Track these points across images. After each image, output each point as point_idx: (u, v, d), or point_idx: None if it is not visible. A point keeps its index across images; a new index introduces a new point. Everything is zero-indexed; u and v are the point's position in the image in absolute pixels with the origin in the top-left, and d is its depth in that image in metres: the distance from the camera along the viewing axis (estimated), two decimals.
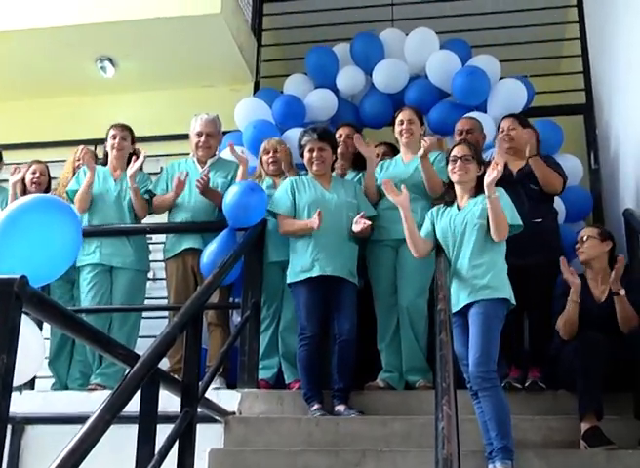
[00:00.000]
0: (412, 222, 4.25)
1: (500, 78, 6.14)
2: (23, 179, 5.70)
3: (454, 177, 4.20)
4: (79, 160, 5.78)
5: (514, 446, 3.67)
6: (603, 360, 4.07)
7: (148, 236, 5.75)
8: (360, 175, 5.35)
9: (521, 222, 4.05)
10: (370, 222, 4.63)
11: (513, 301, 3.94)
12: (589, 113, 6.58)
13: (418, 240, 4.25)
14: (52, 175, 5.89)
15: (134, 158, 5.32)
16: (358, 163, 5.43)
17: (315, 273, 4.62)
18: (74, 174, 5.68)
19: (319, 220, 4.55)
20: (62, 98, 7.33)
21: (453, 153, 4.23)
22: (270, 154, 5.35)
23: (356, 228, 4.62)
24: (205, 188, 5.12)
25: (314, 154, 4.88)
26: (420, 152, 4.74)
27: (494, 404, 3.69)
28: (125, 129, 5.53)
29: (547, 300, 4.60)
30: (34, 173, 5.73)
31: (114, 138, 5.47)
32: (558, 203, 5.26)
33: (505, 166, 4.75)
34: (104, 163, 5.59)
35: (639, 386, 4.15)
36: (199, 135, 5.43)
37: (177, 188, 5.17)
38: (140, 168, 5.60)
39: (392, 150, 5.67)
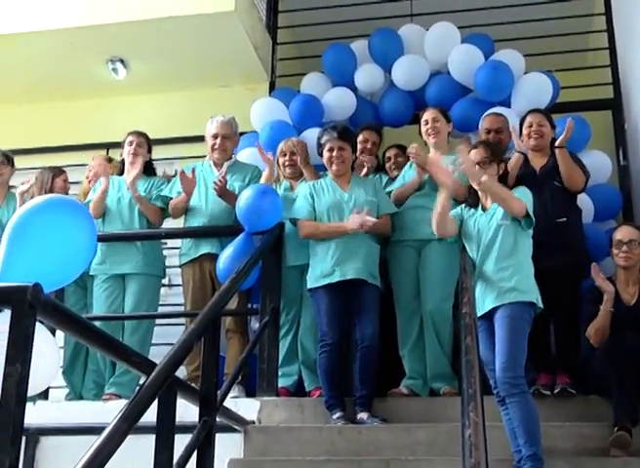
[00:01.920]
0: (449, 202, 4.14)
1: (525, 73, 6.03)
2: (53, 184, 5.64)
3: (473, 185, 4.12)
4: (90, 172, 5.79)
5: (544, 453, 3.59)
6: (637, 362, 3.98)
7: (163, 241, 5.69)
8: (377, 176, 5.25)
9: (533, 217, 3.95)
10: (375, 219, 4.53)
11: (540, 305, 3.87)
12: (617, 108, 6.47)
13: (447, 219, 4.15)
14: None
15: (131, 166, 5.32)
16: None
17: (336, 279, 4.54)
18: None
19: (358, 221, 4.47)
20: (73, 102, 7.27)
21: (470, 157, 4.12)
22: (287, 157, 5.27)
23: (361, 227, 4.52)
24: (223, 190, 5.02)
25: (334, 154, 4.78)
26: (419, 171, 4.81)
27: (522, 410, 3.61)
28: (141, 136, 5.50)
29: (573, 303, 4.50)
30: (65, 181, 5.74)
31: (130, 145, 5.45)
32: (586, 201, 5.14)
33: (528, 163, 4.75)
34: (121, 172, 5.55)
35: None
36: (215, 137, 5.36)
37: (185, 186, 5.08)
38: (155, 173, 5.55)
39: (404, 152, 5.56)
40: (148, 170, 5.52)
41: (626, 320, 4.21)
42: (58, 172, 5.74)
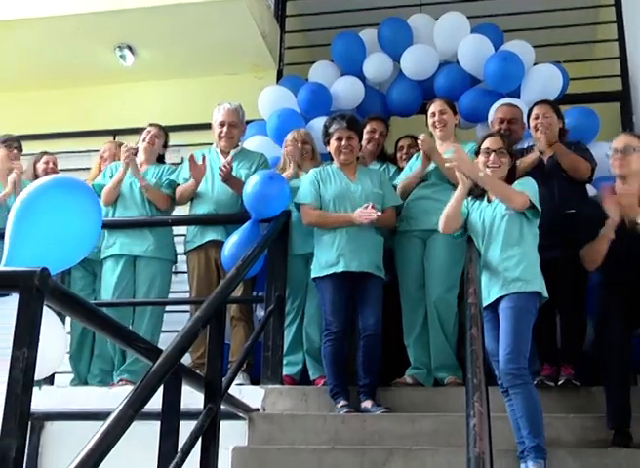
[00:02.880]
0: (462, 199, 4.09)
1: (534, 64, 6.00)
2: (35, 169, 5.68)
3: (487, 171, 4.07)
4: (105, 153, 5.77)
5: (547, 444, 3.57)
6: (623, 356, 3.95)
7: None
8: (385, 166, 5.24)
9: (539, 207, 3.92)
10: (380, 213, 4.52)
11: (546, 294, 3.85)
12: (626, 100, 6.44)
13: (457, 217, 4.10)
14: (69, 166, 5.86)
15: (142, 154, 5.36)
16: (381, 156, 5.45)
17: (340, 269, 4.52)
18: (100, 169, 5.73)
19: (369, 214, 4.46)
20: (81, 88, 7.28)
21: (486, 145, 4.11)
22: (299, 145, 5.26)
23: (367, 220, 4.50)
24: (228, 176, 5.02)
25: (343, 143, 4.76)
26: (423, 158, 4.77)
27: (525, 401, 3.60)
28: (161, 130, 5.53)
29: (579, 295, 4.48)
30: (47, 163, 5.75)
31: (148, 133, 5.47)
32: (594, 193, 5.10)
33: None
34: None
35: None
36: (222, 124, 5.34)
37: (194, 172, 5.09)
38: (163, 160, 5.55)
39: (416, 143, 5.55)
40: (158, 157, 5.57)
41: (628, 245, 4.05)
42: (38, 156, 5.80)
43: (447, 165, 4.11)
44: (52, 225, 2.48)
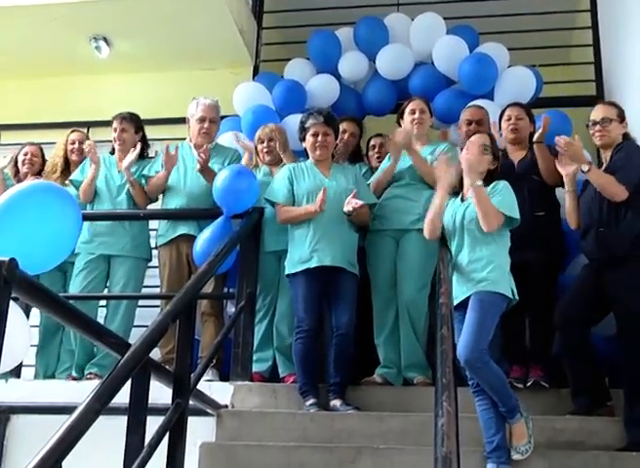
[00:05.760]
0: (444, 203, 4.04)
1: (508, 67, 6.03)
2: (16, 161, 5.64)
3: (463, 165, 4.05)
4: (73, 143, 5.70)
5: None
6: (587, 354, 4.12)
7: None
8: (357, 167, 5.24)
9: (518, 216, 3.93)
10: (362, 202, 4.49)
11: (514, 296, 3.85)
12: None
13: (438, 223, 4.05)
14: (46, 158, 5.80)
15: (132, 150, 5.25)
16: (354, 156, 5.46)
17: (314, 264, 4.51)
18: (66, 160, 5.68)
19: (322, 202, 4.44)
20: (55, 78, 7.21)
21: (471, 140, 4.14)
22: (265, 144, 5.23)
23: (346, 208, 4.49)
24: (205, 165, 4.99)
25: (319, 138, 4.75)
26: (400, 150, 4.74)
27: (487, 377, 3.63)
28: (125, 120, 5.41)
29: (548, 297, 4.51)
30: (26, 154, 5.72)
31: (115, 131, 5.40)
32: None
33: (507, 157, 4.73)
34: (112, 151, 5.54)
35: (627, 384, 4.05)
36: (202, 120, 5.30)
37: (167, 163, 5.05)
38: (147, 154, 5.50)
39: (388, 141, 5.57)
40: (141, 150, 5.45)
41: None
42: (22, 146, 5.77)
43: (431, 160, 4.10)
44: (30, 229, 2.46)
